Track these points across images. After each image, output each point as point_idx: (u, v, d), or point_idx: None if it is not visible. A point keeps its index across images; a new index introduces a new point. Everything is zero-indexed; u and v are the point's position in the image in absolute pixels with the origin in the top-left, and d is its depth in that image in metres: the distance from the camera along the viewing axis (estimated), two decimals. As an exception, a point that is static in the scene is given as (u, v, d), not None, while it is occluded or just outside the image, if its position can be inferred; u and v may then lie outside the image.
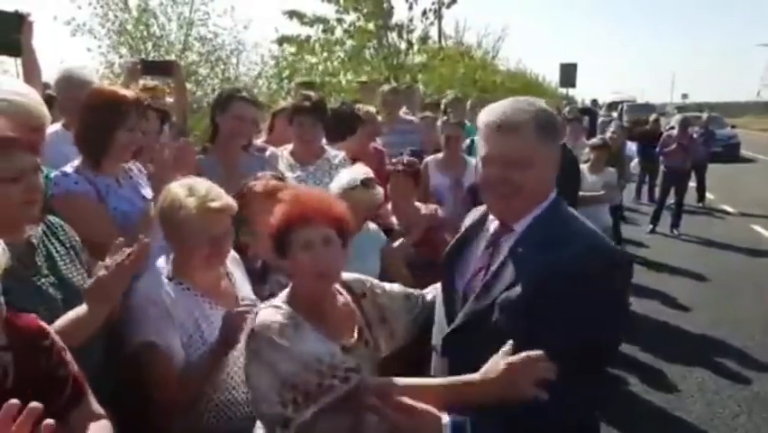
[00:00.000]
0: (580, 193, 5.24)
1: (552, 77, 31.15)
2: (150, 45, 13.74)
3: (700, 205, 12.27)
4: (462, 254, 1.77)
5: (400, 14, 13.38)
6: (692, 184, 12.10)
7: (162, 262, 2.09)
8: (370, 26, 12.98)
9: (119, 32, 13.61)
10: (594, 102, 28.22)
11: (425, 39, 14.03)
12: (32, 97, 2.13)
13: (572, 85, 22.41)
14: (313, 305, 1.74)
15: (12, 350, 1.22)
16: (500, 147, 1.57)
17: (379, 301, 1.93)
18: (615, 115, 22.67)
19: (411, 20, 13.22)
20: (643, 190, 12.81)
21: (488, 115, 1.62)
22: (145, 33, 13.73)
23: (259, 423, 1.72)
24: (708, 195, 12.64)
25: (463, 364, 1.62)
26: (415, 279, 3.44)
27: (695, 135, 10.82)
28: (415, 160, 3.92)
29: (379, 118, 5.52)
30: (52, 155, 2.36)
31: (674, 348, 5.29)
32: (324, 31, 12.84)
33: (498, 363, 1.47)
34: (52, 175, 2.30)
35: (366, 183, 3.05)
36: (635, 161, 11.94)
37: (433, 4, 13.16)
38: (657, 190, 10.82)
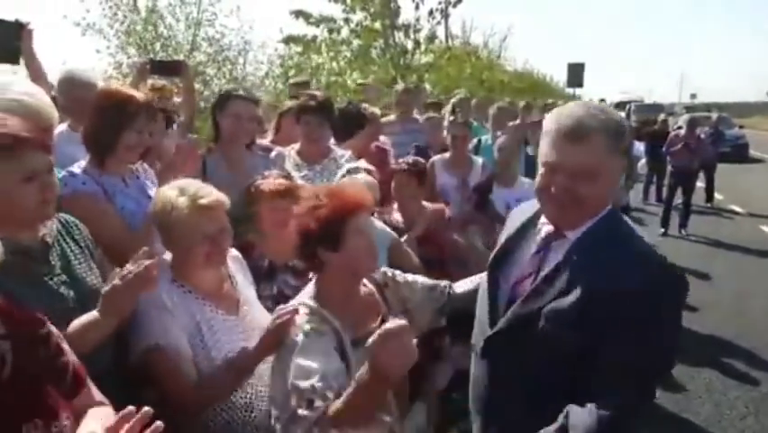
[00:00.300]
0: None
1: (559, 76, 31.10)
2: (158, 45, 13.83)
3: (709, 205, 12.21)
4: (509, 256, 1.75)
5: (407, 14, 13.39)
6: (701, 184, 12.05)
7: (163, 265, 2.08)
8: (377, 25, 12.99)
9: (127, 32, 13.69)
10: (601, 101, 28.11)
11: (431, 38, 14.04)
12: (40, 98, 2.15)
13: (580, 85, 22.34)
14: (342, 297, 1.83)
15: (10, 339, 1.23)
16: (568, 157, 1.50)
17: (401, 292, 2.03)
18: (622, 114, 22.56)
19: (418, 19, 13.24)
20: (650, 191, 12.75)
21: (557, 119, 1.55)
22: (153, 34, 13.80)
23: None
24: (717, 195, 12.58)
25: (505, 367, 1.65)
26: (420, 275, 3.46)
27: (702, 135, 10.75)
28: (419, 159, 3.92)
29: (392, 117, 5.55)
30: (58, 156, 2.36)
31: (682, 349, 5.19)
32: (331, 31, 12.86)
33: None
34: (60, 176, 2.31)
35: (351, 171, 3.12)
36: (643, 161, 11.90)
37: (439, 3, 13.17)
38: (665, 191, 10.77)
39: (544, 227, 1.67)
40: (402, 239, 3.38)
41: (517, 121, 6.80)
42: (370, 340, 1.43)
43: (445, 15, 14.52)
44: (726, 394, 4.47)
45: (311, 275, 2.02)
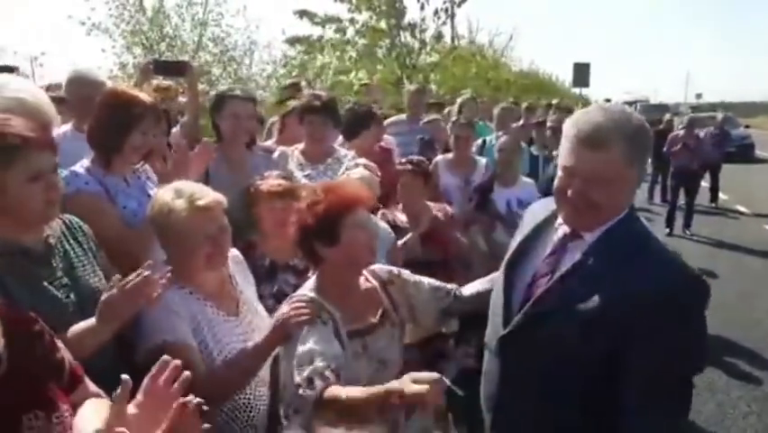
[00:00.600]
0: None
1: (565, 76, 31.02)
2: (163, 45, 13.87)
3: (714, 205, 12.16)
4: (525, 256, 1.75)
5: (413, 14, 13.40)
6: (705, 184, 12.02)
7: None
8: (383, 25, 13.00)
9: (133, 32, 13.74)
10: (607, 101, 28.01)
11: (438, 38, 14.04)
12: (39, 97, 2.18)
13: (586, 84, 22.29)
14: (341, 290, 1.89)
15: (5, 336, 1.24)
16: (585, 163, 1.49)
17: (407, 289, 2.08)
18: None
19: (423, 19, 13.24)
20: (655, 191, 12.73)
21: (576, 123, 1.53)
22: (159, 34, 13.85)
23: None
24: (722, 195, 12.53)
25: (517, 366, 1.66)
26: (423, 275, 3.47)
27: (701, 135, 10.76)
28: (423, 159, 3.94)
29: (402, 116, 5.57)
30: (63, 155, 2.38)
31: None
32: (336, 30, 12.87)
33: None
34: (63, 175, 2.33)
35: (350, 168, 3.19)
36: (648, 161, 11.86)
37: (444, 3, 13.18)
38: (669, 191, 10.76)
39: (561, 228, 1.67)
40: (406, 237, 3.40)
41: (521, 122, 6.81)
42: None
43: (451, 15, 14.54)
44: (729, 393, 4.48)
45: (311, 273, 2.05)
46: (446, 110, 6.91)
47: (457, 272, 3.78)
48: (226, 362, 1.91)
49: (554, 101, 10.64)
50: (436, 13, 13.06)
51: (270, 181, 2.60)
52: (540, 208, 1.84)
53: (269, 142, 4.25)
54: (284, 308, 1.86)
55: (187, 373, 1.23)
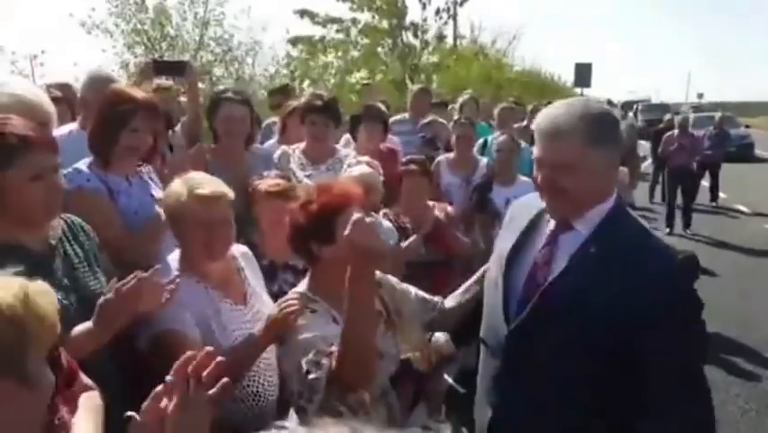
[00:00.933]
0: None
1: (567, 77, 30.99)
2: (164, 45, 13.87)
3: (714, 204, 12.17)
4: (523, 250, 1.78)
5: (414, 15, 13.42)
6: (705, 184, 12.04)
7: (174, 256, 2.14)
8: (384, 24, 13.01)
9: (135, 31, 13.74)
10: (609, 102, 28.01)
11: (440, 38, 14.06)
12: (39, 95, 2.19)
13: (587, 85, 22.27)
14: (336, 289, 1.85)
15: None
16: (547, 152, 1.63)
17: (394, 294, 2.08)
18: (630, 114, 22.53)
19: (425, 19, 13.26)
20: (656, 190, 12.74)
21: (541, 119, 1.66)
22: (160, 34, 13.84)
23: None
24: (722, 194, 12.53)
25: (523, 361, 1.69)
26: (426, 276, 3.49)
27: (699, 134, 10.83)
28: (425, 159, 3.96)
29: (405, 115, 5.59)
30: (68, 154, 2.40)
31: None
32: (339, 30, 12.88)
33: None
34: (65, 172, 2.35)
35: (352, 165, 3.21)
36: (648, 161, 11.89)
37: (446, 2, 13.20)
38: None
39: (551, 222, 1.74)
40: (410, 240, 3.42)
41: (524, 123, 6.80)
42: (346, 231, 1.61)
43: (453, 15, 14.56)
44: (728, 391, 4.50)
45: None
46: (449, 107, 6.93)
47: (458, 272, 3.80)
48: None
49: (546, 102, 10.64)
50: (438, 12, 13.09)
51: (269, 181, 2.63)
52: (527, 202, 1.89)
53: (270, 142, 4.28)
54: (273, 310, 1.87)
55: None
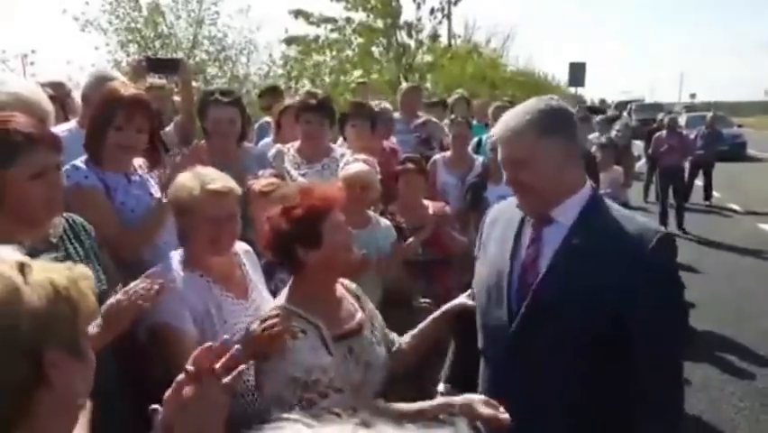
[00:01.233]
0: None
1: (561, 76, 31.09)
2: (158, 43, 13.82)
3: (707, 203, 12.24)
4: (516, 251, 1.80)
5: (409, 14, 13.41)
6: (699, 183, 12.11)
7: (177, 250, 2.15)
8: (379, 23, 13.00)
9: (128, 29, 13.67)
10: (602, 101, 28.12)
11: (435, 37, 14.06)
12: (37, 93, 2.19)
13: (581, 84, 22.38)
14: (320, 295, 1.85)
15: None
16: (504, 152, 1.73)
17: (372, 311, 2.05)
18: (625, 114, 22.61)
19: (419, 19, 13.26)
20: (651, 189, 12.79)
21: (497, 126, 1.77)
22: (154, 32, 13.79)
23: None
24: (716, 193, 12.61)
25: (523, 362, 1.69)
26: (423, 275, 3.49)
27: (685, 133, 10.93)
28: (420, 157, 3.96)
29: (396, 115, 5.58)
30: (66, 151, 2.40)
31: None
32: (333, 30, 12.86)
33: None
34: (64, 168, 2.34)
35: (349, 162, 3.21)
36: (642, 160, 11.94)
37: (440, 2, 13.20)
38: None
39: (531, 220, 1.79)
40: (408, 241, 3.41)
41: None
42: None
43: (447, 14, 14.56)
44: (723, 389, 4.52)
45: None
46: (448, 107, 6.92)
47: (455, 271, 3.80)
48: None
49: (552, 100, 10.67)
50: (432, 12, 13.10)
51: (263, 181, 2.64)
52: (507, 206, 1.92)
53: (266, 141, 4.26)
54: (254, 325, 1.79)
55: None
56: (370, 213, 3.29)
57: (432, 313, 2.15)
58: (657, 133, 10.71)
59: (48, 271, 0.93)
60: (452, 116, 5.38)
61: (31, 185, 1.67)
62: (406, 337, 2.10)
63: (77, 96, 4.04)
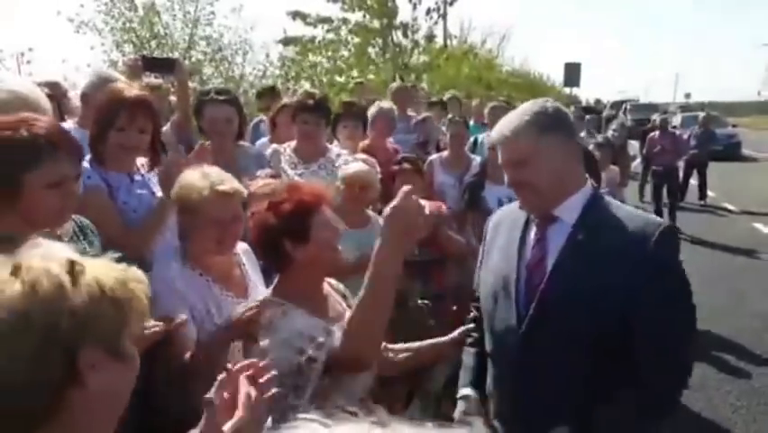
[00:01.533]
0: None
1: (556, 77, 31.18)
2: (153, 44, 13.78)
3: (702, 203, 12.29)
4: (508, 254, 1.82)
5: (405, 14, 13.41)
6: (694, 182, 12.15)
7: (177, 249, 2.15)
8: (375, 23, 13.00)
9: (124, 29, 13.62)
10: (597, 102, 28.16)
11: (430, 38, 14.06)
12: (36, 92, 2.19)
13: (576, 84, 22.44)
14: (307, 292, 1.82)
15: None
16: (504, 153, 1.75)
17: None
18: (621, 114, 22.68)
19: (416, 19, 13.26)
20: (646, 189, 12.82)
21: (495, 129, 1.79)
22: (149, 32, 13.74)
23: None
24: (710, 193, 12.66)
25: (533, 363, 1.69)
26: (419, 275, 3.48)
27: (678, 133, 11.00)
28: (415, 157, 3.96)
29: None
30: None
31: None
32: (329, 30, 12.85)
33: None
34: None
35: (349, 161, 3.24)
36: (638, 160, 11.98)
37: (436, 2, 13.21)
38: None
39: (535, 220, 1.80)
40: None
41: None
42: (387, 209, 1.63)
43: (443, 15, 14.57)
44: (719, 388, 4.54)
45: None
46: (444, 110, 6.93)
47: (452, 271, 3.80)
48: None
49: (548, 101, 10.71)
50: (428, 12, 13.10)
51: (260, 182, 2.64)
52: (510, 210, 1.95)
53: (262, 141, 4.26)
54: (239, 309, 1.81)
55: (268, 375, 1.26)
56: (370, 213, 3.28)
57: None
58: (651, 134, 10.76)
59: (98, 271, 0.94)
60: (449, 116, 5.38)
61: (46, 193, 1.66)
62: (402, 350, 2.08)
63: (72, 96, 4.03)
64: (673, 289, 1.64)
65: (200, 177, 2.03)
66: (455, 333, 2.07)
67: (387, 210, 1.63)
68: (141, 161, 2.58)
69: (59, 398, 0.88)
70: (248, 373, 1.22)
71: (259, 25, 15.35)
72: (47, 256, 0.92)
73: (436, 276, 3.64)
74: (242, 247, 2.25)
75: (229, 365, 1.22)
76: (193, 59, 13.65)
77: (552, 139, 1.68)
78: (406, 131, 5.27)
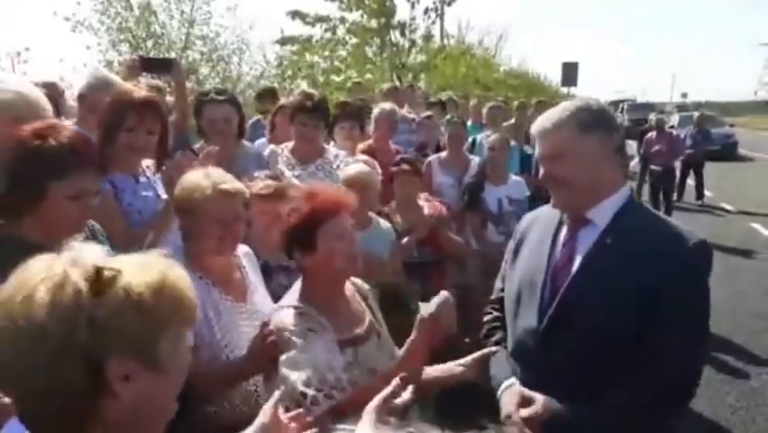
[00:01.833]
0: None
1: (554, 77, 31.18)
2: (150, 43, 13.74)
3: (700, 203, 12.30)
4: (538, 254, 1.81)
5: (403, 14, 13.41)
6: (691, 182, 12.15)
7: (177, 251, 2.12)
8: (373, 23, 13.00)
9: (120, 29, 13.58)
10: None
11: (428, 37, 14.07)
12: (36, 92, 2.18)
13: (574, 84, 22.43)
14: (325, 298, 1.83)
15: None
16: (543, 147, 1.73)
17: (378, 315, 2.02)
18: (618, 114, 22.73)
19: (413, 18, 13.25)
20: (644, 189, 12.83)
21: (537, 122, 1.77)
22: (146, 32, 13.70)
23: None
24: (708, 193, 12.68)
25: (556, 365, 1.67)
26: (419, 276, 3.47)
27: (675, 133, 11.01)
28: (414, 159, 3.95)
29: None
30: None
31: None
32: (327, 30, 12.85)
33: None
34: None
35: (350, 162, 3.24)
36: (636, 160, 11.99)
37: (434, 2, 13.20)
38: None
39: (567, 222, 1.79)
40: (404, 240, 3.40)
41: (512, 120, 6.83)
42: (431, 307, 1.71)
43: (440, 15, 14.57)
44: (719, 389, 4.53)
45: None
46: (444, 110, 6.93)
47: (451, 272, 3.79)
48: (210, 369, 1.92)
49: (543, 99, 10.72)
50: (426, 12, 13.09)
51: (260, 183, 2.62)
52: (539, 214, 1.93)
53: (261, 141, 4.24)
54: (256, 342, 1.81)
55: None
56: (371, 214, 3.27)
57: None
58: (648, 134, 10.76)
59: (131, 276, 0.91)
60: (447, 117, 5.38)
61: (66, 204, 1.67)
62: (430, 381, 2.00)
63: (69, 96, 4.01)
64: (700, 297, 1.63)
65: (203, 177, 2.03)
66: (477, 354, 1.97)
67: (424, 313, 1.72)
68: (147, 162, 2.58)
69: (90, 408, 0.87)
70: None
71: (256, 25, 15.29)
72: (75, 262, 0.91)
73: (435, 277, 3.63)
74: (242, 250, 2.23)
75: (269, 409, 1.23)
76: (189, 59, 13.62)
77: (592, 137, 1.66)
78: (401, 132, 5.27)
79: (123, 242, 2.18)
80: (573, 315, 1.65)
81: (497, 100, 7.93)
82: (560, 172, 1.69)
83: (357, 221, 3.00)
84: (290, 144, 3.62)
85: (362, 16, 12.87)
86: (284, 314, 1.80)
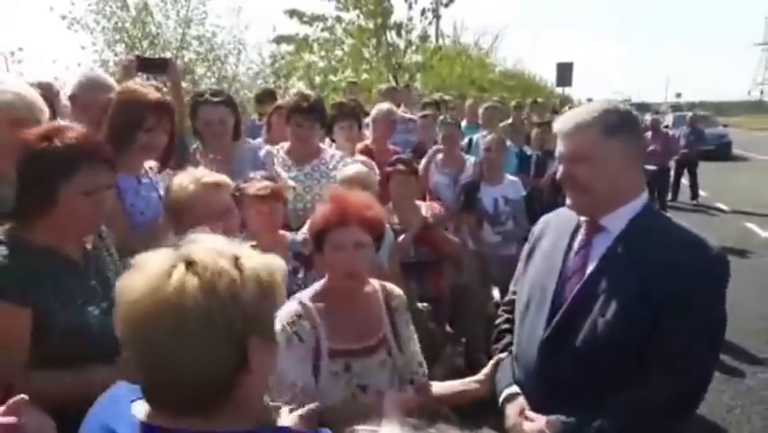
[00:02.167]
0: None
1: (549, 78, 31.24)
2: (146, 43, 13.69)
3: (694, 203, 12.34)
4: (552, 258, 1.78)
5: (400, 14, 13.40)
6: (685, 182, 12.19)
7: None
8: (370, 24, 12.99)
9: (116, 28, 13.53)
10: (590, 101, 28.21)
11: (424, 38, 14.06)
12: (33, 93, 2.18)
13: (569, 84, 22.51)
14: (343, 300, 1.85)
15: None
16: (566, 146, 1.69)
17: (406, 332, 1.99)
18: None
19: (410, 19, 13.25)
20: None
21: (561, 119, 1.73)
22: (142, 32, 13.66)
23: None
24: (702, 193, 12.72)
25: (559, 371, 1.66)
26: (415, 276, 3.48)
27: (670, 133, 11.05)
28: (410, 159, 3.95)
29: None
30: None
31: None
32: (323, 29, 12.83)
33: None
34: None
35: (348, 163, 3.25)
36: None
37: (431, 3, 13.21)
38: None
39: (583, 226, 1.75)
40: (399, 238, 3.40)
41: (509, 120, 6.85)
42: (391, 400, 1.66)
43: (437, 16, 14.57)
44: (714, 388, 4.53)
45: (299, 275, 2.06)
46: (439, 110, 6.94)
47: (448, 272, 3.79)
48: None
49: (539, 99, 10.74)
50: (423, 12, 13.09)
51: (256, 184, 2.62)
52: (556, 216, 1.91)
53: (257, 141, 4.24)
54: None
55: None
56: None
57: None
58: (643, 134, 10.79)
59: (255, 263, 0.99)
60: (441, 117, 5.40)
61: (81, 200, 1.67)
62: (442, 387, 2.02)
63: (63, 96, 4.00)
64: (718, 306, 1.62)
65: (185, 176, 2.05)
66: (489, 368, 1.94)
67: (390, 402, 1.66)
68: (150, 163, 2.58)
69: (231, 383, 0.95)
70: None
71: (252, 25, 15.26)
72: (215, 251, 0.97)
73: (432, 277, 3.64)
74: None
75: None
76: (185, 59, 13.58)
77: (616, 141, 1.62)
78: (399, 132, 5.28)
79: (123, 242, 2.18)
80: (579, 322, 1.62)
81: (493, 101, 7.94)
82: (580, 175, 1.65)
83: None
84: (286, 145, 3.61)
85: (359, 17, 12.87)
86: (286, 308, 1.78)
